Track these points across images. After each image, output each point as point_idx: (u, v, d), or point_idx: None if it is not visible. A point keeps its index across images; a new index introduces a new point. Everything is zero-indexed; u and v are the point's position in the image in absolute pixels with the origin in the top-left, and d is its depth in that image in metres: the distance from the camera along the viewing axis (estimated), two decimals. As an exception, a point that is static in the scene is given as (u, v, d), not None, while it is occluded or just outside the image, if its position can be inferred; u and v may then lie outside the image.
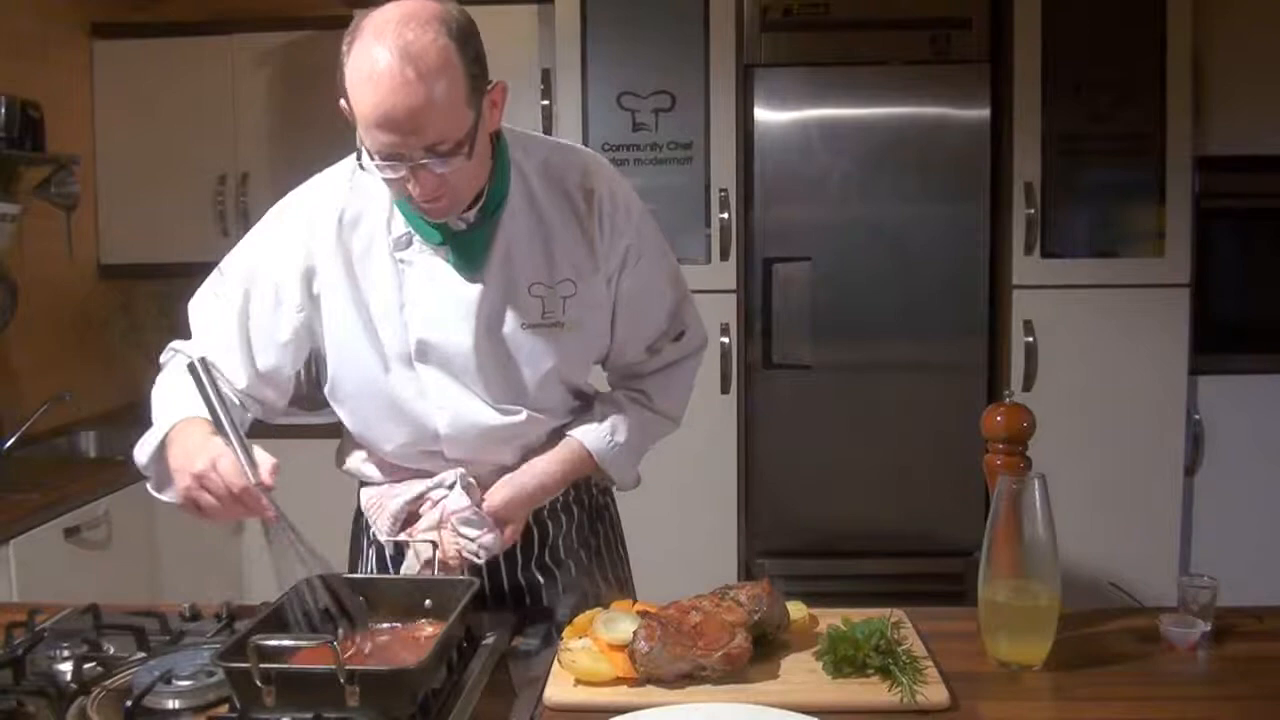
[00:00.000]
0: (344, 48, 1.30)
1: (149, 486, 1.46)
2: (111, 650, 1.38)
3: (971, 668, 1.32)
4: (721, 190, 3.02)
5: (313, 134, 3.39)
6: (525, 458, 1.55)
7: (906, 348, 3.08)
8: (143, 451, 1.42)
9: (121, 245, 3.50)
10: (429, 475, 1.53)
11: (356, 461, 1.60)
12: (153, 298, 3.58)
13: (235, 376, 1.48)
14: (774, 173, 3.04)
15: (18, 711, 1.20)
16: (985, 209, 3.04)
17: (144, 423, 1.45)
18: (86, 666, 1.31)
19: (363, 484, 1.62)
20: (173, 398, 1.43)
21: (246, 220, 3.43)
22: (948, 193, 3.03)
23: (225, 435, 1.29)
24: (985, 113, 3.00)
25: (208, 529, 3.00)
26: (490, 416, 1.49)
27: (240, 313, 1.48)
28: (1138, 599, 1.53)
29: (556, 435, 1.57)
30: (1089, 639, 1.40)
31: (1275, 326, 3.11)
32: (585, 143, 3.00)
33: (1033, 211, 2.96)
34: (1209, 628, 1.39)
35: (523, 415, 1.50)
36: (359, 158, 1.35)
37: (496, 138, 1.44)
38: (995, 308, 3.08)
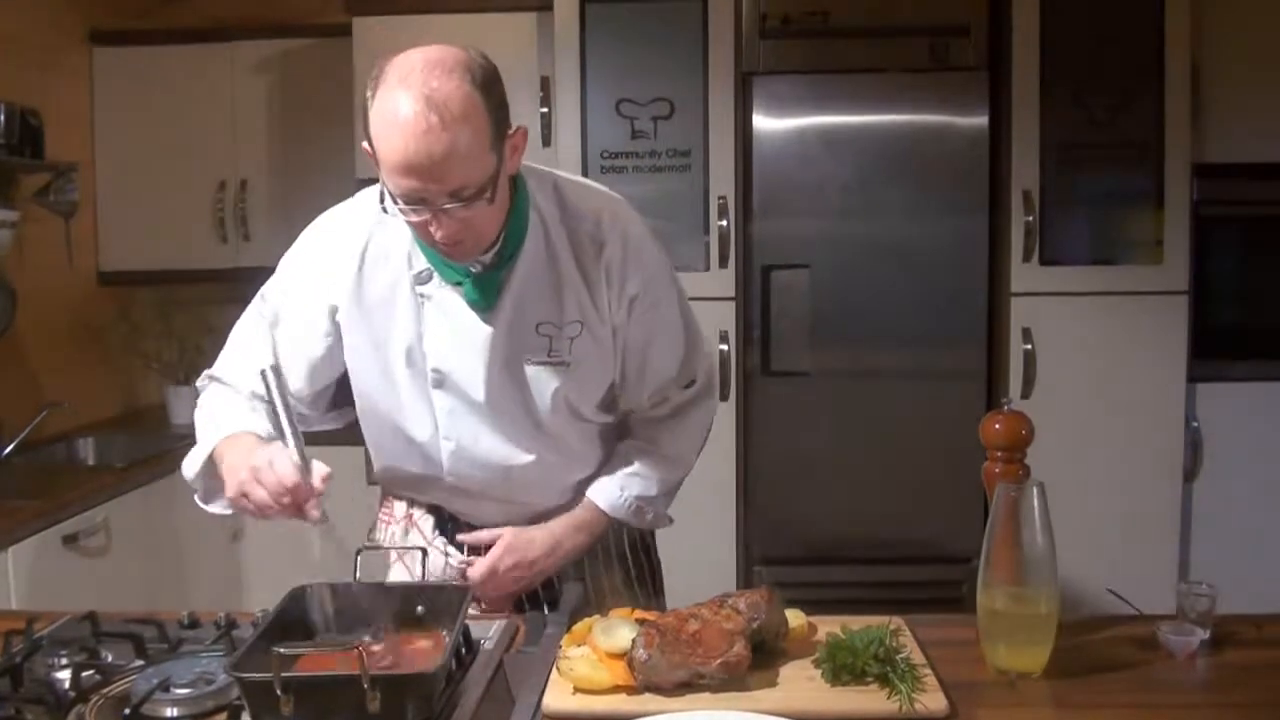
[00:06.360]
0: (368, 93, 1.32)
1: (197, 499, 1.52)
2: (110, 658, 1.37)
3: (970, 676, 1.32)
4: (720, 198, 3.02)
5: (311, 141, 3.43)
6: (531, 502, 1.59)
7: (905, 355, 3.07)
8: (190, 466, 1.49)
9: (121, 252, 3.50)
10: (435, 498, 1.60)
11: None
12: (152, 305, 3.56)
13: None
14: (772, 180, 3.04)
15: (15, 719, 1.20)
16: (984, 216, 3.04)
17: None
18: (84, 674, 1.30)
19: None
20: (224, 413, 1.49)
21: (245, 227, 3.44)
22: (946, 200, 3.03)
23: (285, 439, 1.34)
24: (984, 120, 3.00)
25: (207, 535, 3.00)
26: (497, 452, 1.53)
27: (277, 334, 1.55)
28: (1136, 607, 1.53)
29: (570, 491, 1.61)
30: (1088, 647, 1.40)
31: (1274, 334, 3.11)
32: (584, 150, 3.01)
33: (1031, 219, 2.96)
34: (1208, 635, 1.39)
35: (532, 457, 1.54)
36: (381, 200, 1.36)
37: (515, 180, 1.46)
38: (993, 315, 3.08)
